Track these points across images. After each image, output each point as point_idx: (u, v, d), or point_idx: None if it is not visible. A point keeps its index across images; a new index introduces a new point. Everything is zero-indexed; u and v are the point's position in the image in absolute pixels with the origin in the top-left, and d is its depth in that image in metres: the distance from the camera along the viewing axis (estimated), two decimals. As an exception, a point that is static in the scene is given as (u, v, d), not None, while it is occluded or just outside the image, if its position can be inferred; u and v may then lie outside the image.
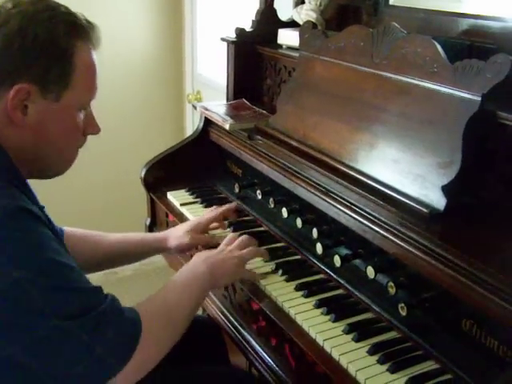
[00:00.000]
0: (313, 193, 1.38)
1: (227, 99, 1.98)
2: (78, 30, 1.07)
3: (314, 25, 1.66)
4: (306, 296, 1.28)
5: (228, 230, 1.59)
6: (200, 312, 1.69)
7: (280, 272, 1.36)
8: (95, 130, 1.18)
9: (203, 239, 1.52)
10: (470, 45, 1.37)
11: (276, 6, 1.94)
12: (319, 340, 1.15)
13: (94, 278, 1.13)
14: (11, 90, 1.01)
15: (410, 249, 1.11)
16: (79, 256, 1.44)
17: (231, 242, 1.38)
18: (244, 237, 1.40)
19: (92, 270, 1.55)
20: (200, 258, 1.28)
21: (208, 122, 1.90)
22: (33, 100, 1.03)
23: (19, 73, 1.02)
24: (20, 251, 0.94)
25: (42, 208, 1.14)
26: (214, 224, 1.58)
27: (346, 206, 1.28)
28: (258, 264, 1.40)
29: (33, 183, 1.16)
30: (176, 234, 1.51)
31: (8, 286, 0.92)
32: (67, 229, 1.46)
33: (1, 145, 1.05)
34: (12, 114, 1.03)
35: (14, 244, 0.94)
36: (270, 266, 1.39)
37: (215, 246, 1.39)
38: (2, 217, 0.94)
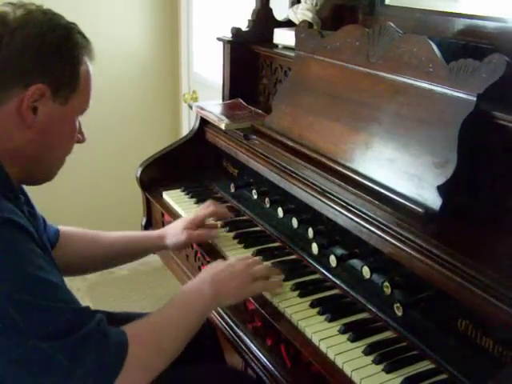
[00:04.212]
0: (308, 193, 1.38)
1: (223, 99, 1.98)
2: (84, 42, 1.12)
3: (309, 24, 1.66)
4: (302, 296, 1.27)
5: (223, 229, 1.58)
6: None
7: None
8: (82, 138, 1.21)
9: (200, 237, 1.51)
10: (465, 45, 1.37)
11: (272, 5, 1.94)
12: (315, 340, 1.15)
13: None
14: (28, 90, 1.03)
15: (406, 249, 1.11)
16: (77, 255, 1.44)
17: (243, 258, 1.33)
18: (256, 258, 1.36)
19: (90, 269, 1.55)
20: (207, 276, 1.23)
21: (204, 122, 1.90)
22: (44, 101, 1.05)
23: (35, 73, 1.04)
24: None
25: (32, 213, 1.13)
26: (211, 221, 1.58)
27: (342, 206, 1.28)
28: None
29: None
30: (173, 232, 1.51)
31: None
32: (63, 228, 1.45)
33: None
34: (25, 113, 1.04)
35: None
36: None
37: (212, 245, 1.36)
38: None
